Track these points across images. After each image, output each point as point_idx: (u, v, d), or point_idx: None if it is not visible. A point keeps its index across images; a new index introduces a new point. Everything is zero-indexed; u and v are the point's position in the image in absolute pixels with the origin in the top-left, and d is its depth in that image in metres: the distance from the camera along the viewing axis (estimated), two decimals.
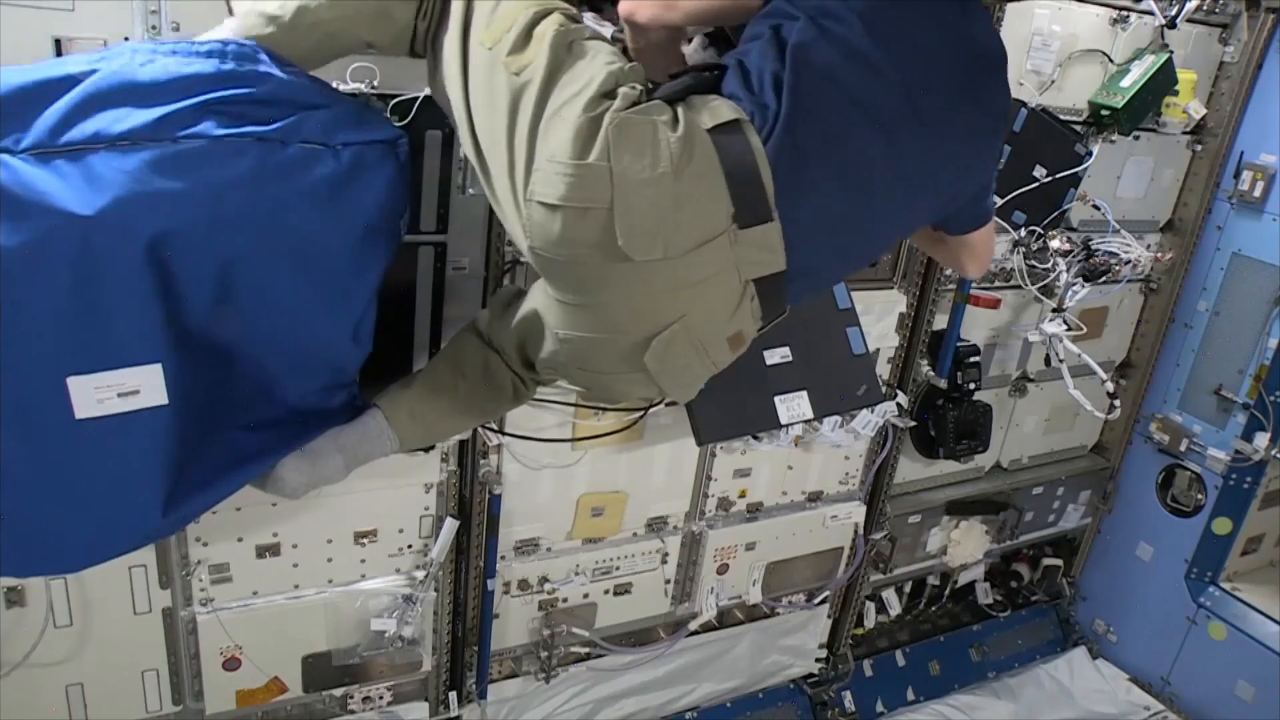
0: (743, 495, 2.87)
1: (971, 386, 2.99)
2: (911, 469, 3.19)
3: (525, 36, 1.55)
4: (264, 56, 1.61)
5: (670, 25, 1.83)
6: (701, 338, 1.61)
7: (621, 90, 1.52)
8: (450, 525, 2.37)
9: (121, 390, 1.52)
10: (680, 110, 1.53)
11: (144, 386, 1.54)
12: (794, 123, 1.54)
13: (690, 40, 1.98)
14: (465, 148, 1.64)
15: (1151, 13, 2.84)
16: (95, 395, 1.51)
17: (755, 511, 2.92)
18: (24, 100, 1.44)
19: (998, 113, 1.77)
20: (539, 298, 1.71)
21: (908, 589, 3.47)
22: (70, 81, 1.46)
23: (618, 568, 2.73)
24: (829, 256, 1.71)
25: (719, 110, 1.53)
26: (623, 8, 1.79)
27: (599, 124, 1.47)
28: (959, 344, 2.96)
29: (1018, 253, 2.95)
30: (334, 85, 1.75)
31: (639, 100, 1.52)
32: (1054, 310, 3.00)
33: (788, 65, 1.55)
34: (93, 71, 1.47)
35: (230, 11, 1.71)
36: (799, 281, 1.64)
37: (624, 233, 1.47)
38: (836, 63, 1.57)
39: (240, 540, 2.16)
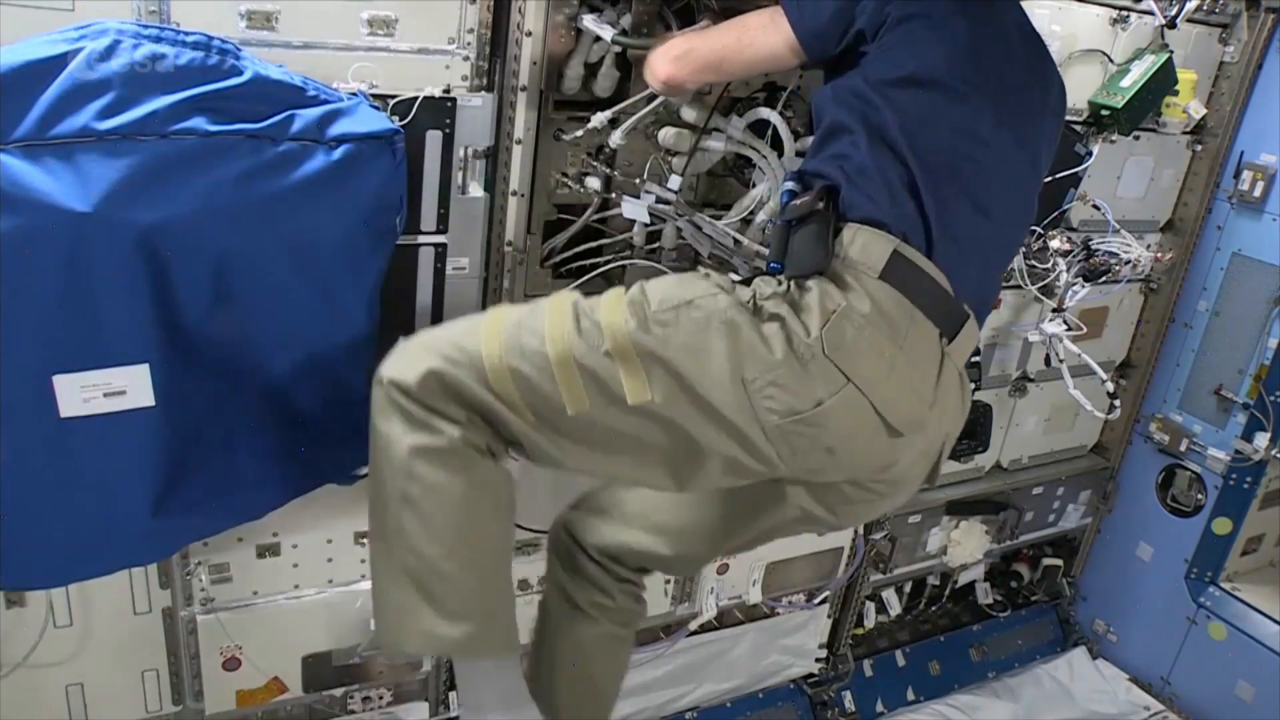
0: None
1: (971, 386, 2.98)
2: None
3: (626, 363, 1.43)
4: (248, 54, 1.60)
5: (710, 82, 1.81)
6: (957, 430, 1.70)
7: (767, 305, 1.45)
8: None
9: (108, 390, 1.52)
10: (846, 276, 1.47)
11: (131, 387, 1.54)
12: (946, 224, 1.53)
13: None
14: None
15: (1151, 13, 2.83)
16: (81, 394, 1.50)
17: None
18: (11, 88, 1.42)
19: (1059, 88, 1.81)
20: (794, 505, 1.68)
21: (908, 589, 3.47)
22: (59, 62, 1.44)
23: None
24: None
25: (872, 249, 1.48)
26: (664, 72, 1.77)
27: (803, 359, 1.41)
28: None
29: (1018, 252, 2.95)
30: (333, 85, 1.75)
31: (785, 296, 1.47)
32: (1054, 310, 2.99)
33: (914, 166, 1.51)
34: (79, 50, 1.45)
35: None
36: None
37: (901, 423, 1.48)
38: (948, 141, 1.56)
39: (240, 540, 2.16)
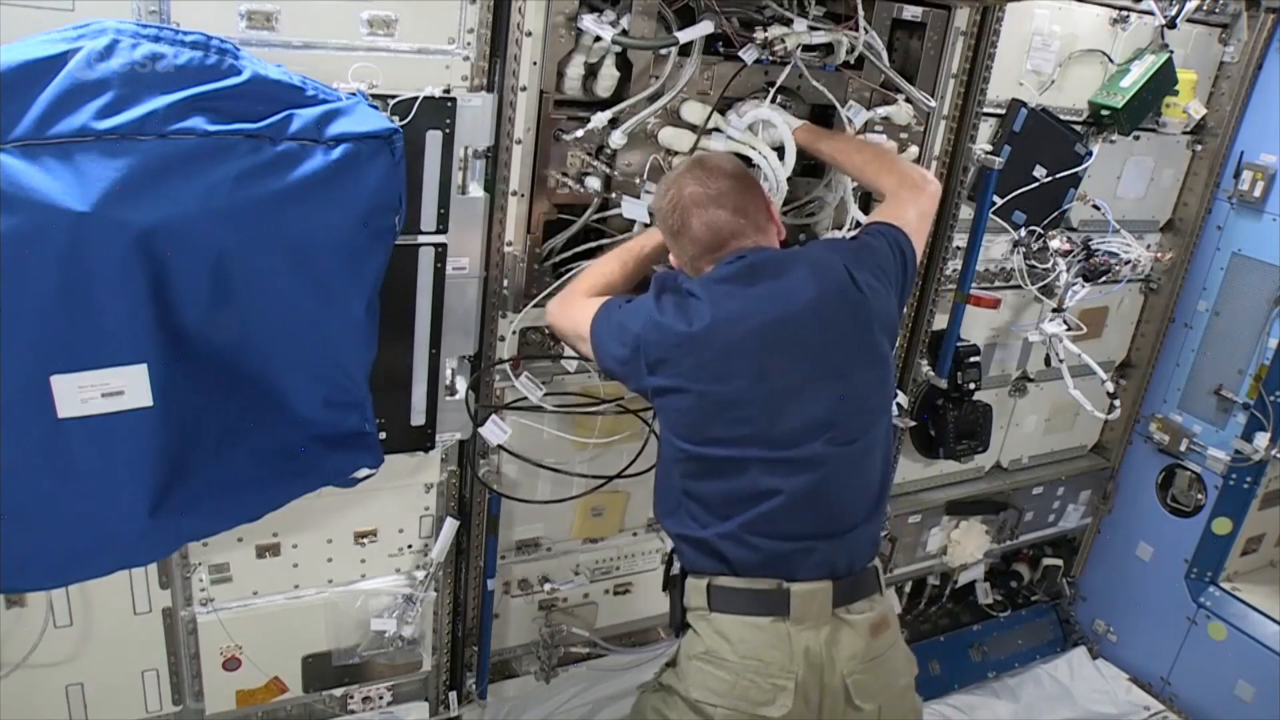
0: None
1: (971, 386, 2.98)
2: (911, 469, 3.19)
3: None
4: (246, 54, 1.60)
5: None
6: (855, 649, 1.86)
7: (663, 679, 1.93)
8: (450, 525, 2.37)
9: (106, 390, 1.52)
10: (695, 621, 1.87)
11: (129, 387, 1.53)
12: (738, 546, 1.82)
13: None
14: None
15: (1151, 13, 2.83)
16: (79, 395, 1.50)
17: None
18: (10, 87, 1.42)
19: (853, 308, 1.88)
20: None
21: (908, 589, 3.47)
22: (58, 61, 1.44)
23: (618, 568, 2.73)
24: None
25: (698, 593, 1.85)
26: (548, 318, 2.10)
27: (688, 704, 1.82)
28: (959, 344, 2.95)
29: (1018, 253, 2.94)
30: (333, 85, 1.75)
31: (672, 660, 1.93)
32: (1054, 310, 2.99)
33: (707, 514, 1.84)
34: (78, 49, 1.45)
35: None
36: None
37: (773, 707, 1.77)
38: (731, 485, 1.83)
39: (240, 540, 2.16)
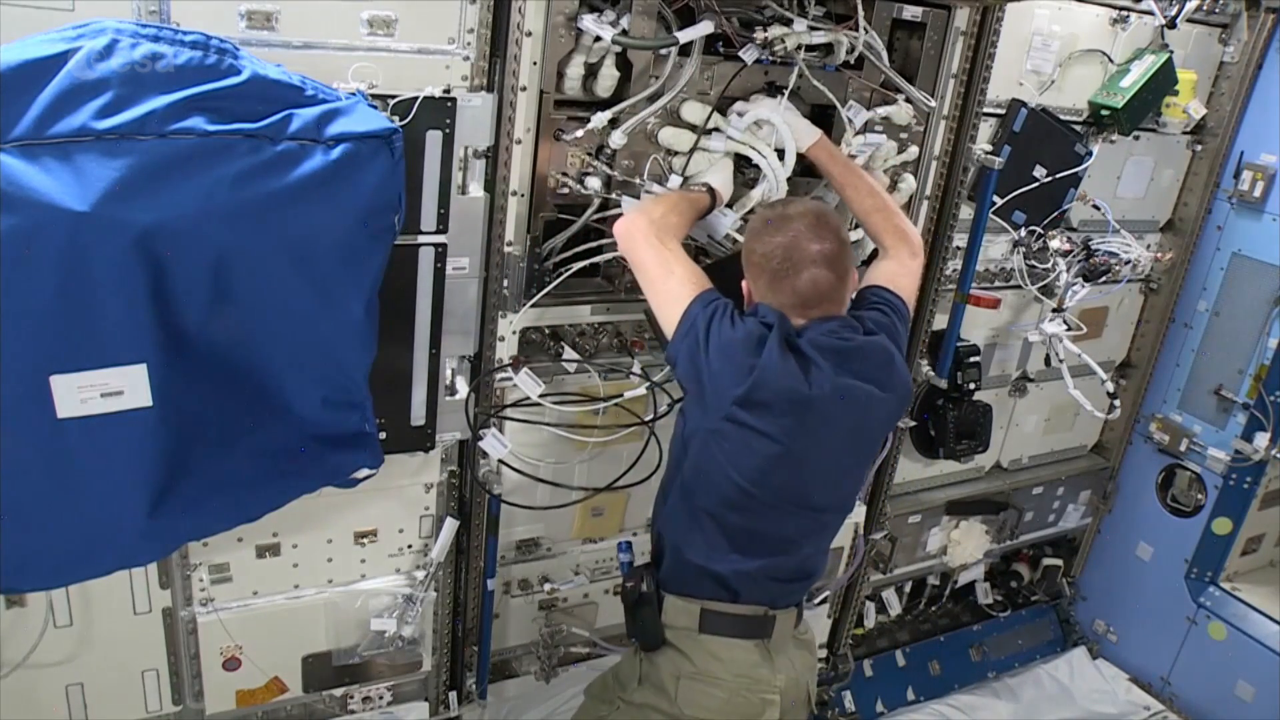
0: None
1: (971, 386, 2.98)
2: (911, 469, 3.19)
3: None
4: (246, 53, 1.60)
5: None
6: (813, 661, 2.17)
7: (635, 697, 2.02)
8: (450, 525, 2.37)
9: (105, 390, 1.52)
10: (677, 640, 1.98)
11: (128, 387, 1.54)
12: (746, 574, 1.93)
13: None
14: None
15: (1151, 13, 2.83)
16: (78, 395, 1.51)
17: None
18: (10, 87, 1.41)
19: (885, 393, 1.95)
20: None
21: (908, 589, 3.47)
22: (57, 61, 1.44)
23: (618, 568, 2.72)
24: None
25: (686, 614, 1.96)
26: (623, 227, 2.01)
27: None
28: (959, 344, 2.96)
29: (1018, 253, 2.95)
30: (333, 85, 1.75)
31: (641, 679, 2.02)
32: (1054, 310, 3.00)
33: (723, 532, 1.93)
34: (78, 49, 1.45)
35: None
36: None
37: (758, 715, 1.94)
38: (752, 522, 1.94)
39: (240, 540, 2.16)
